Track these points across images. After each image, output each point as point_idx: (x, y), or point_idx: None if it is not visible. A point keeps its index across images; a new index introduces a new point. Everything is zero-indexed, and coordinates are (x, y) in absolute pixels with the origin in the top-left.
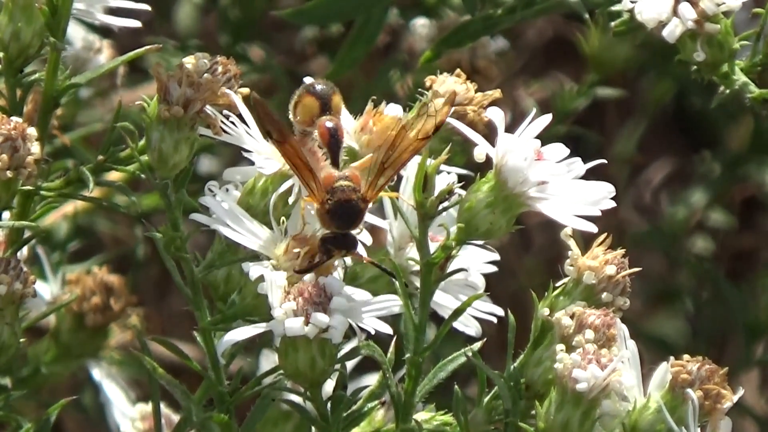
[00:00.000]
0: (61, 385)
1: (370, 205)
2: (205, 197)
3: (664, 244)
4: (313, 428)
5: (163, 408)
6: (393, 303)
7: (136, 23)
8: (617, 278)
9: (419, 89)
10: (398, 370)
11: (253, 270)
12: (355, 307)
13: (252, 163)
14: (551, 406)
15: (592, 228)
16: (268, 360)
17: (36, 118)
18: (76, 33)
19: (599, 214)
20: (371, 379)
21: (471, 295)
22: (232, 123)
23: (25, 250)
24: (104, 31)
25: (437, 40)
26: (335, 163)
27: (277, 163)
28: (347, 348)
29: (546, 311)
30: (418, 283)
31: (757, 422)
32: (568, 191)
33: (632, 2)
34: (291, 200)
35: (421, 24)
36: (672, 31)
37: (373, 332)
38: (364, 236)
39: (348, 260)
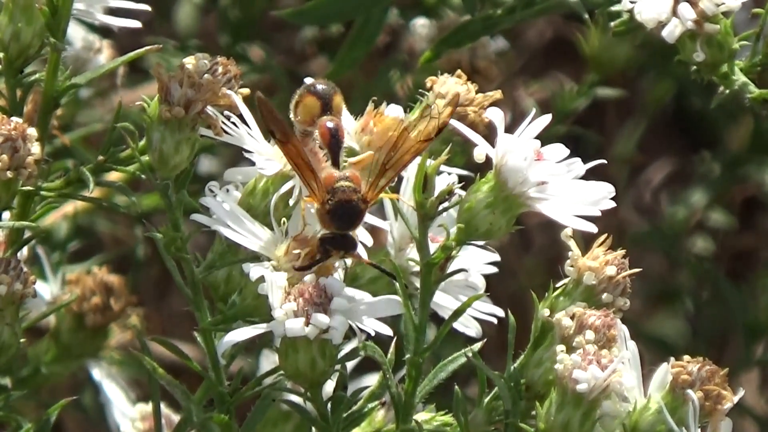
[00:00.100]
0: (61, 385)
1: (371, 205)
2: (206, 198)
3: (664, 245)
4: (313, 429)
5: (164, 408)
6: (393, 304)
7: (136, 23)
8: (617, 279)
9: (419, 89)
10: (398, 371)
11: (254, 271)
12: (355, 308)
13: (253, 164)
14: (551, 407)
15: (592, 228)
16: (269, 360)
17: (36, 118)
18: (76, 33)
19: (599, 214)
20: (371, 380)
21: (471, 296)
22: (233, 123)
23: (25, 251)
24: (104, 31)
25: (437, 41)
26: (336, 164)
27: (278, 164)
28: (347, 348)
29: (546, 312)
30: (418, 284)
31: (758, 422)
32: (568, 191)
33: (632, 2)
34: (292, 201)
35: (421, 24)
36: (671, 32)
37: (373, 333)
38: (364, 237)
39: (348, 261)
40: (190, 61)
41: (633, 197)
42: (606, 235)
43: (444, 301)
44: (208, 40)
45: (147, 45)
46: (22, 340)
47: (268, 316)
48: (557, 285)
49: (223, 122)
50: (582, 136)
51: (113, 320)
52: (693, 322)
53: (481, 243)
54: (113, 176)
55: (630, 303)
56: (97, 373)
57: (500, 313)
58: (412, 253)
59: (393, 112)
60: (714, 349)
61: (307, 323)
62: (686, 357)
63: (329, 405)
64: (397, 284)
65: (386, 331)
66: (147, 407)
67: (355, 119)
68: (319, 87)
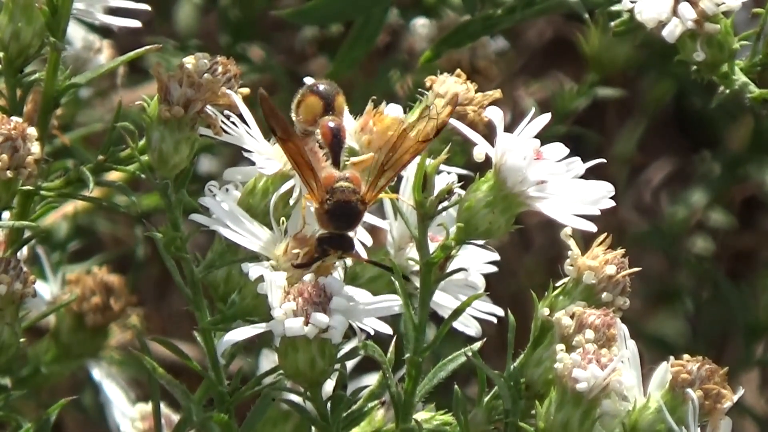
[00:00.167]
0: (61, 385)
1: (370, 206)
2: (205, 198)
3: (664, 244)
4: (313, 428)
5: (163, 408)
6: (393, 303)
7: (136, 23)
8: (617, 278)
9: (419, 89)
10: (398, 370)
11: (253, 270)
12: (354, 307)
13: (252, 164)
14: (551, 406)
15: (592, 228)
16: (268, 360)
17: (36, 117)
18: (76, 33)
19: (599, 213)
20: (371, 379)
21: (471, 295)
22: (233, 123)
23: (25, 250)
24: (104, 31)
25: (437, 40)
26: (336, 164)
27: (278, 164)
28: (347, 348)
29: (546, 311)
30: (417, 283)
31: (757, 422)
32: (567, 191)
33: (632, 2)
34: (291, 201)
35: (421, 24)
36: (672, 31)
37: (372, 332)
38: (364, 237)
39: (348, 261)
40: (189, 61)
41: (633, 197)
42: (606, 234)
43: (444, 301)
44: (208, 39)
45: (147, 45)
46: (22, 339)
47: (268, 316)
48: (557, 284)
49: (222, 122)
50: (582, 135)
51: (113, 320)
52: (693, 322)
53: (481, 242)
54: (113, 176)
55: (630, 302)
56: (97, 373)
57: (500, 312)
58: (412, 252)
59: (393, 111)
60: (714, 349)
61: (307, 322)
62: (686, 356)
63: (329, 404)
64: (397, 284)
65: (386, 329)
66: (147, 407)
67: (355, 119)
68: (322, 87)
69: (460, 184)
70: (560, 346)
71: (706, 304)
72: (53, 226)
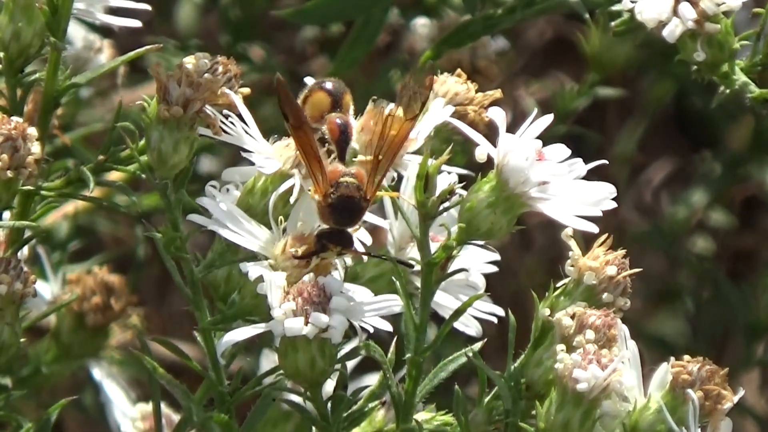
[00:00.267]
0: (62, 384)
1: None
2: (203, 198)
3: (665, 244)
4: (313, 428)
5: (164, 408)
6: (393, 303)
7: (136, 23)
8: (618, 279)
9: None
10: (399, 370)
11: (252, 270)
12: (355, 307)
13: (251, 163)
14: (552, 407)
15: (593, 228)
16: (269, 360)
17: (36, 117)
18: (76, 33)
19: (600, 214)
20: (372, 379)
21: (472, 295)
22: (232, 123)
23: (25, 250)
24: (105, 30)
25: (438, 40)
26: (342, 160)
27: (277, 163)
28: (347, 348)
29: (547, 311)
30: (418, 283)
31: (758, 422)
32: (569, 191)
33: (632, 2)
34: (291, 200)
35: (421, 24)
36: (672, 31)
37: (372, 331)
38: (364, 236)
39: (349, 260)
40: (190, 61)
41: (633, 197)
42: (606, 234)
43: (444, 301)
44: (208, 39)
45: (147, 44)
46: (22, 339)
47: (268, 316)
48: (558, 285)
49: (222, 121)
50: (582, 135)
51: (113, 320)
52: (693, 322)
53: (482, 242)
54: (113, 176)
55: (630, 303)
56: (98, 373)
57: (501, 312)
58: (413, 252)
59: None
60: (714, 349)
61: (307, 322)
62: (686, 357)
63: (329, 404)
64: (398, 283)
65: (386, 327)
66: (147, 407)
67: (355, 118)
68: (330, 84)
69: (461, 185)
70: (561, 347)
71: (706, 304)
72: (54, 226)
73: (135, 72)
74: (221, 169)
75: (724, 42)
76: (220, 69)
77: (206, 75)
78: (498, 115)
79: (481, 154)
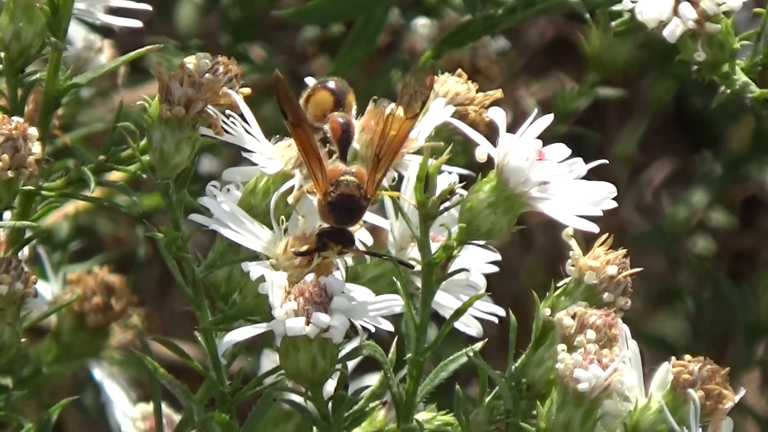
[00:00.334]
0: (62, 385)
1: (372, 201)
2: (204, 198)
3: (665, 244)
4: (314, 428)
5: (165, 408)
6: (394, 303)
7: (137, 23)
8: (618, 278)
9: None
10: (400, 370)
11: (254, 270)
12: (356, 307)
13: (252, 163)
14: (553, 406)
15: (594, 228)
16: (270, 360)
17: (37, 117)
18: (77, 33)
19: (600, 214)
20: (373, 379)
21: (472, 295)
22: (234, 123)
23: (26, 250)
24: (105, 30)
25: (438, 40)
26: (343, 159)
27: (279, 164)
28: (348, 348)
29: (547, 311)
30: (419, 283)
31: (759, 422)
32: (569, 191)
33: (633, 2)
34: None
35: (422, 24)
36: (673, 31)
37: (373, 330)
38: (364, 235)
39: (350, 260)
40: (191, 61)
41: (634, 197)
42: (607, 234)
43: (445, 301)
44: (209, 39)
45: (148, 45)
46: (23, 339)
47: (269, 315)
48: (558, 284)
49: (223, 121)
50: (583, 135)
51: (114, 320)
52: (694, 322)
53: (482, 242)
54: (114, 176)
55: (631, 302)
56: (98, 373)
57: (501, 312)
58: (413, 252)
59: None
60: (715, 349)
61: (308, 322)
62: (687, 356)
63: (330, 404)
64: (399, 283)
65: (387, 326)
66: (148, 407)
67: (356, 119)
68: (333, 83)
69: (461, 185)
70: (562, 347)
71: (707, 304)
72: (54, 226)
73: (135, 72)
74: (222, 169)
75: (724, 42)
76: (221, 69)
77: (207, 75)
78: (498, 115)
79: (481, 154)
